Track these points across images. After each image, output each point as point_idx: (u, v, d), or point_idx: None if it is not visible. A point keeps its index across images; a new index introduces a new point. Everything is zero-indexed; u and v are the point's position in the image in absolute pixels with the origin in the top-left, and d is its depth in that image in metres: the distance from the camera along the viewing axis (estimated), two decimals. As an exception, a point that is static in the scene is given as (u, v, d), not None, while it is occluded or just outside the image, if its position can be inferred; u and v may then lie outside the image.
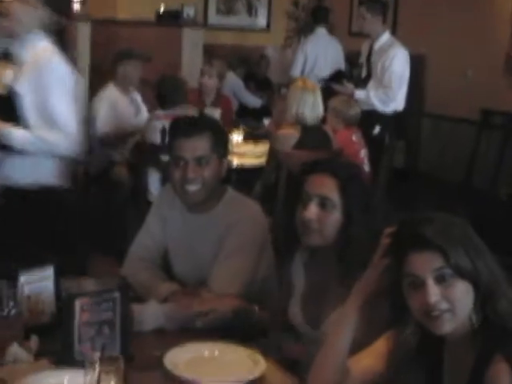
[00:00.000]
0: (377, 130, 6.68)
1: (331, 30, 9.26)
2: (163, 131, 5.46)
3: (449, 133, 9.06)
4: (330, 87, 7.11)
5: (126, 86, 6.49)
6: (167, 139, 3.14)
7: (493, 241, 2.21)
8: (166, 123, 5.50)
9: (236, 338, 2.55)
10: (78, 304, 2.34)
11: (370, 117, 6.49)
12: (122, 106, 6.45)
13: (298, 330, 2.68)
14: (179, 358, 2.38)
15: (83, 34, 8.44)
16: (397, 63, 6.77)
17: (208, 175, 2.95)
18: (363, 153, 5.92)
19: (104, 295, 2.39)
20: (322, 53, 8.50)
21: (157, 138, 5.57)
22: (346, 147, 5.68)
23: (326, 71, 8.04)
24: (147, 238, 3.18)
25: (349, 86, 6.90)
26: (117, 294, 2.40)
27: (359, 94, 6.77)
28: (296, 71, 8.44)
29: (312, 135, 5.47)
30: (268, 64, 10.17)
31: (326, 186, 2.52)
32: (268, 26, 10.94)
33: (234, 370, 2.35)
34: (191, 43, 8.95)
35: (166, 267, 3.16)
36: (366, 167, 5.90)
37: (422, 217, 2.04)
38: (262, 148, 6.09)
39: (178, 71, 8.27)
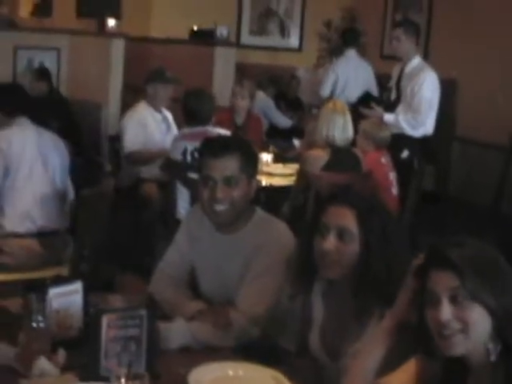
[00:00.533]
0: (405, 153, 6.67)
1: (363, 52, 9.29)
2: (185, 151, 5.49)
3: (478, 157, 9.04)
4: (358, 111, 7.14)
5: (156, 105, 6.54)
6: (197, 158, 3.17)
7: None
8: (188, 144, 5.56)
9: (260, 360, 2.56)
10: (105, 320, 2.36)
11: (399, 140, 6.48)
12: (152, 124, 6.49)
13: (318, 360, 2.68)
14: (204, 377, 2.40)
15: (117, 50, 8.53)
16: (426, 88, 6.76)
17: (237, 195, 2.98)
18: (392, 175, 5.91)
19: (131, 312, 2.42)
20: (352, 75, 8.53)
21: (180, 157, 5.59)
22: (375, 169, 5.69)
23: (356, 93, 8.07)
24: (175, 256, 3.21)
25: (378, 109, 6.89)
26: (144, 312, 2.42)
27: (388, 117, 6.77)
28: (326, 91, 8.46)
29: (341, 157, 5.48)
30: (299, 84, 10.20)
31: (345, 218, 2.52)
32: (300, 46, 11.00)
33: (258, 390, 2.37)
34: (223, 62, 9.02)
35: (192, 285, 3.18)
36: (395, 190, 5.89)
37: (453, 240, 2.05)
38: (291, 169, 6.11)
39: (210, 90, 8.32)
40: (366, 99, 7.49)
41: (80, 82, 8.48)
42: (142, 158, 6.30)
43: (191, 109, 5.73)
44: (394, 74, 7.10)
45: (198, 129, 5.58)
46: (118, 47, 8.55)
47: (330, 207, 2.56)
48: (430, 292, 2.01)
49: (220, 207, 2.98)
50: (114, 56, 8.52)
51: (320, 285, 2.70)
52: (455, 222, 7.39)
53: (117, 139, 6.74)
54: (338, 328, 2.61)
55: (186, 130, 5.74)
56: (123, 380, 1.95)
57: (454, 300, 1.96)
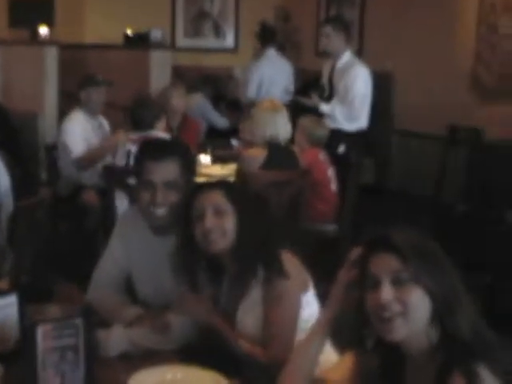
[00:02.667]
0: (342, 148, 6.73)
1: (298, 50, 9.32)
2: (128, 155, 5.48)
3: (417, 149, 9.14)
4: (295, 101, 7.19)
5: (91, 111, 6.50)
6: (135, 162, 3.16)
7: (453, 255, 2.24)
8: (132, 147, 5.56)
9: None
10: (40, 331, 2.34)
11: (335, 136, 6.53)
12: (89, 130, 6.46)
13: None
14: (143, 382, 2.39)
15: (50, 58, 8.45)
16: (359, 83, 6.85)
17: (176, 199, 2.98)
18: (330, 171, 5.96)
19: (66, 322, 2.39)
20: (274, 73, 8.50)
21: (123, 161, 5.58)
22: (314, 166, 5.72)
23: (278, 92, 8.07)
24: (110, 263, 3.19)
25: (315, 98, 6.96)
26: (79, 321, 2.40)
27: (325, 107, 6.84)
28: (251, 93, 8.41)
29: (279, 155, 5.51)
30: (236, 84, 10.20)
31: (216, 196, 2.75)
32: (236, 46, 11.01)
33: (198, 392, 2.37)
34: (159, 66, 8.99)
35: (130, 291, 3.17)
36: (334, 186, 5.94)
37: (394, 228, 2.08)
38: (230, 169, 6.12)
39: (147, 94, 8.29)
40: (304, 89, 7.51)
41: (14, 92, 8.39)
42: (92, 158, 6.20)
43: (135, 115, 5.76)
44: (325, 70, 7.17)
45: (142, 134, 5.59)
46: (51, 55, 8.47)
47: (197, 195, 2.78)
48: (371, 276, 2.03)
49: (160, 211, 2.98)
50: (48, 64, 8.44)
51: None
52: (397, 214, 7.46)
53: (54, 148, 6.69)
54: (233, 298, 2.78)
55: (132, 135, 5.74)
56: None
57: (395, 282, 1.99)
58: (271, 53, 8.66)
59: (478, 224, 3.92)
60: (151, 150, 3.08)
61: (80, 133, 6.36)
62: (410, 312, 1.98)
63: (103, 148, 6.15)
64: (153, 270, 3.07)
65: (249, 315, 2.74)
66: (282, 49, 9.46)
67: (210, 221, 2.71)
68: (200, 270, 2.82)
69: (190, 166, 3.10)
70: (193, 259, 2.79)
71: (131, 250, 3.16)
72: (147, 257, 3.10)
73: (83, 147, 6.29)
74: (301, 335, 2.51)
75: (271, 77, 8.46)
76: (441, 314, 2.00)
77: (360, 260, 2.10)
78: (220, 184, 2.85)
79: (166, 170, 2.98)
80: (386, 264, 2.01)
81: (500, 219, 4.38)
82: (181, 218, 2.83)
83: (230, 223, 2.73)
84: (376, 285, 2.01)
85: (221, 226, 2.71)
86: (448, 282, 2.01)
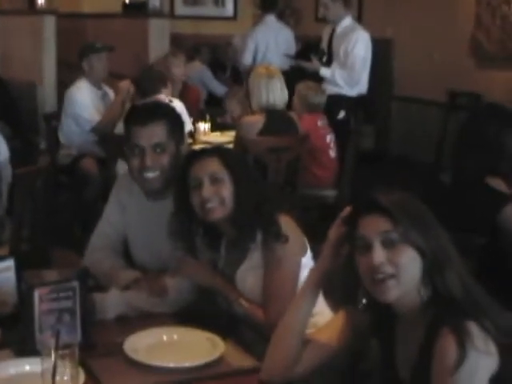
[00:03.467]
0: (342, 114, 6.73)
1: (298, 16, 9.29)
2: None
3: (417, 115, 9.14)
4: (296, 65, 7.18)
5: (95, 79, 6.49)
6: (124, 128, 3.15)
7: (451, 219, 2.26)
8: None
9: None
10: (36, 294, 2.37)
11: (335, 101, 6.53)
12: (94, 100, 6.47)
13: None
14: (139, 344, 2.42)
15: (49, 27, 8.41)
16: (360, 47, 6.83)
17: (166, 162, 2.98)
18: (329, 138, 5.95)
19: (63, 284, 2.42)
20: (272, 40, 8.47)
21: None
22: (312, 133, 5.72)
23: (277, 59, 8.04)
24: (107, 227, 3.20)
25: (315, 62, 6.95)
26: (76, 283, 2.42)
27: (325, 71, 6.83)
28: (248, 59, 8.39)
29: (277, 121, 5.51)
30: (235, 52, 10.16)
31: (213, 165, 2.73)
32: (235, 14, 10.97)
33: (194, 352, 2.38)
34: (158, 34, 8.93)
35: (127, 255, 3.19)
36: (333, 152, 5.93)
37: (382, 189, 2.09)
38: (229, 136, 6.12)
39: (146, 62, 8.28)
40: (304, 52, 7.49)
41: (13, 62, 8.36)
42: (110, 120, 6.12)
43: (142, 85, 5.79)
44: (325, 35, 7.14)
45: (149, 99, 5.60)
46: (49, 24, 8.41)
47: (194, 162, 2.76)
48: (361, 238, 2.03)
49: (150, 174, 2.99)
50: (46, 33, 8.39)
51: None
52: (396, 180, 7.46)
53: (54, 117, 6.68)
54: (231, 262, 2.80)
55: (138, 103, 5.74)
56: (53, 351, 1.95)
57: (386, 243, 2.00)
58: (270, 19, 8.63)
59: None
60: (137, 115, 3.08)
61: (90, 102, 6.36)
62: (402, 272, 1.99)
63: (117, 103, 6.14)
64: (148, 235, 3.09)
65: (248, 278, 2.75)
66: (282, 15, 9.40)
67: (207, 190, 2.70)
68: (197, 236, 2.83)
69: (177, 128, 3.09)
70: (189, 225, 2.80)
71: (127, 215, 3.17)
72: (142, 222, 3.11)
73: (97, 115, 6.29)
74: None
75: (269, 43, 8.43)
76: (431, 273, 2.00)
77: (349, 221, 2.12)
78: (215, 151, 2.82)
79: (153, 133, 2.97)
80: (375, 225, 2.02)
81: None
82: (176, 184, 2.83)
83: (227, 191, 2.72)
84: (368, 247, 2.02)
85: (218, 195, 2.70)
86: (437, 241, 2.02)
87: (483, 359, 1.89)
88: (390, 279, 2.00)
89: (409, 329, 2.07)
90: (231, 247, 2.82)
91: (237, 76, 9.60)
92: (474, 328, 1.90)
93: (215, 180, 2.72)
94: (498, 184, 3.27)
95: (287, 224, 2.73)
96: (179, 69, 6.87)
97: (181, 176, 2.80)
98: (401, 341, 2.11)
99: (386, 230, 2.00)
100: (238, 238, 2.76)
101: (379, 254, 2.00)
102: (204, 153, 2.80)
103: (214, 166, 2.73)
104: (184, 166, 2.81)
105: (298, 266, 2.72)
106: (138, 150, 2.98)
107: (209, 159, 2.75)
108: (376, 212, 2.02)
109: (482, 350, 1.88)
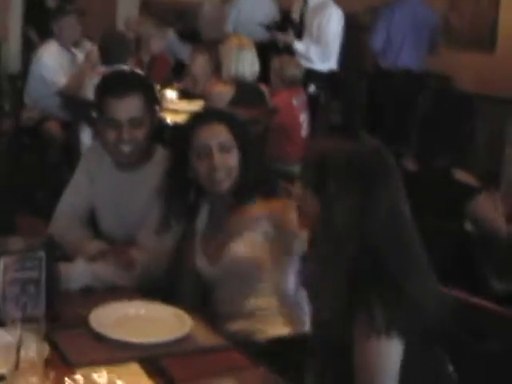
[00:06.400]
0: (312, 88, 6.70)
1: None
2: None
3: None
4: (271, 35, 7.12)
5: (64, 42, 6.40)
6: (96, 97, 3.05)
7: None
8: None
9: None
10: (2, 263, 2.31)
11: (305, 75, 6.50)
12: (64, 63, 6.37)
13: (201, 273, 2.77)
14: (105, 317, 2.37)
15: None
16: (333, 23, 6.84)
17: (142, 135, 2.92)
18: (303, 117, 5.90)
19: (29, 254, 2.37)
20: (255, 10, 8.37)
21: (90, 94, 5.50)
22: (285, 110, 5.69)
23: (257, 29, 7.96)
24: (74, 196, 3.14)
25: (291, 35, 6.92)
26: (42, 253, 2.37)
27: (299, 45, 6.80)
28: (228, 27, 8.34)
29: (247, 93, 5.47)
30: (203, 19, 10.00)
31: (221, 134, 2.70)
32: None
33: (161, 328, 2.35)
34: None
35: (93, 225, 3.13)
36: (304, 132, 5.89)
37: None
38: (197, 105, 6.04)
39: (114, 26, 8.17)
40: (280, 24, 7.42)
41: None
42: (76, 86, 6.01)
43: (106, 49, 5.68)
44: (296, 8, 7.11)
45: (115, 67, 5.51)
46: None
47: (201, 127, 2.70)
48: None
49: (126, 148, 2.92)
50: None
51: (206, 201, 2.79)
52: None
53: (19, 78, 6.59)
54: (219, 231, 2.72)
55: (102, 69, 5.64)
56: (18, 323, 1.91)
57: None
58: None
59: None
60: (113, 86, 2.98)
61: (57, 64, 6.26)
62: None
63: (85, 68, 6.02)
64: (117, 204, 3.03)
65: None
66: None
67: (217, 159, 2.65)
68: (186, 197, 2.77)
69: (153, 100, 3.03)
70: (184, 187, 2.75)
71: (96, 185, 3.11)
72: (111, 192, 3.05)
73: (63, 78, 6.18)
74: None
75: (251, 13, 8.31)
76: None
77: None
78: (223, 116, 2.77)
79: (130, 107, 2.90)
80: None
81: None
82: (175, 144, 2.81)
83: (234, 160, 2.68)
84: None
85: (226, 165, 2.66)
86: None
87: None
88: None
89: None
90: (215, 213, 2.77)
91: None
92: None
93: (224, 148, 2.68)
94: (465, 177, 3.29)
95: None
96: (158, 45, 6.82)
97: (183, 137, 2.75)
98: None
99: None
100: (237, 202, 2.70)
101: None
102: (211, 117, 2.75)
103: (222, 133, 2.69)
104: (188, 128, 2.75)
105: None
106: (113, 123, 2.91)
107: (217, 125, 2.70)
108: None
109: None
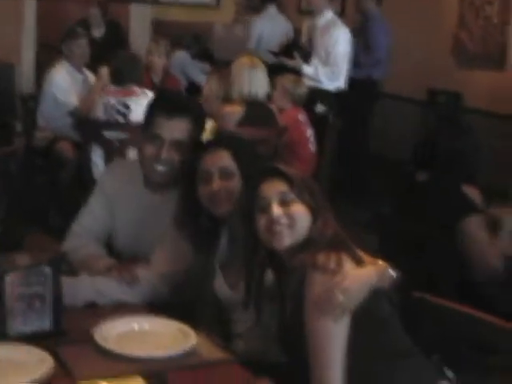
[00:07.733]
0: (319, 107, 6.72)
1: (281, 8, 9.22)
2: (106, 107, 5.44)
3: (396, 112, 9.12)
4: (279, 61, 7.15)
5: (74, 64, 6.46)
6: (146, 112, 3.06)
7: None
8: (114, 99, 5.53)
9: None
10: (8, 279, 2.34)
11: (313, 94, 6.53)
12: (74, 83, 6.43)
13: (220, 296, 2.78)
14: (109, 332, 2.39)
15: (29, 9, 8.34)
16: (341, 43, 6.88)
17: (178, 159, 2.93)
18: (309, 132, 5.94)
19: (35, 269, 2.39)
20: (272, 31, 8.43)
21: (101, 114, 5.55)
22: (292, 127, 5.71)
23: (274, 49, 8.01)
24: (90, 220, 3.14)
25: (298, 60, 6.95)
26: (48, 269, 2.40)
27: (307, 69, 6.82)
28: (252, 46, 8.35)
29: (257, 112, 5.49)
30: (217, 43, 10.07)
31: (223, 159, 2.72)
32: (217, 2, 10.88)
33: (165, 343, 2.37)
34: (139, 19, 8.91)
35: (109, 244, 3.15)
36: (312, 147, 5.92)
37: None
38: (208, 126, 6.05)
39: (126, 48, 8.22)
40: (287, 50, 7.47)
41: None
42: (88, 106, 6.03)
43: (119, 68, 5.72)
44: (305, 29, 7.16)
45: (125, 87, 5.59)
46: (30, 5, 8.35)
47: (206, 153, 2.74)
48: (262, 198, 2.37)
49: (162, 168, 2.94)
50: (26, 14, 8.32)
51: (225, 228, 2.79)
52: (371, 177, 7.49)
53: (31, 99, 6.64)
54: (236, 258, 2.70)
55: (112, 88, 5.69)
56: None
57: (282, 201, 2.35)
58: (272, 10, 8.57)
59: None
60: (166, 105, 3.00)
61: (68, 84, 6.32)
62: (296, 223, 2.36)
63: (96, 88, 6.07)
64: (139, 223, 3.04)
65: None
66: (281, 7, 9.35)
67: (216, 184, 2.68)
68: (201, 223, 2.77)
69: (199, 127, 3.02)
70: (195, 213, 2.76)
71: (116, 206, 3.11)
72: (136, 210, 3.06)
73: (75, 98, 6.24)
74: None
75: (269, 34, 8.37)
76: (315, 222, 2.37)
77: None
78: (227, 143, 2.80)
79: (176, 128, 2.92)
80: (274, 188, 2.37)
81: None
82: (185, 174, 2.81)
83: (235, 185, 2.69)
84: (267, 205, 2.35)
85: (227, 189, 2.68)
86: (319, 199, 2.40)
87: None
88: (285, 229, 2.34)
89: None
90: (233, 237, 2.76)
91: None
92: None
93: (225, 174, 2.70)
94: (472, 193, 3.30)
95: None
96: (159, 58, 6.84)
97: (190, 166, 2.77)
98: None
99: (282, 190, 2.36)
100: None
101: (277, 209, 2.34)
102: (215, 145, 2.78)
103: (224, 159, 2.71)
104: (194, 157, 2.77)
105: None
106: (156, 140, 2.93)
107: (220, 152, 2.72)
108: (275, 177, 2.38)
109: None
